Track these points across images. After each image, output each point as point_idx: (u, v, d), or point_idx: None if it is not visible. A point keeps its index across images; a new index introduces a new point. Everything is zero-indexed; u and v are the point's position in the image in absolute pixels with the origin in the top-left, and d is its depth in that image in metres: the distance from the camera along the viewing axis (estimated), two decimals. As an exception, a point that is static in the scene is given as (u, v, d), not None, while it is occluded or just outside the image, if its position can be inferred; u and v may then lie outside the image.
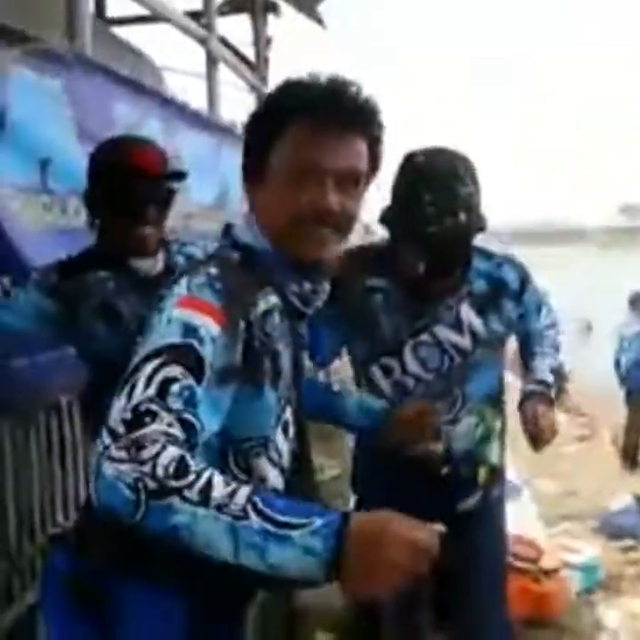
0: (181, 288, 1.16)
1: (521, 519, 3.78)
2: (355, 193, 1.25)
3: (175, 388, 1.04)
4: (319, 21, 6.16)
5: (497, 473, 2.09)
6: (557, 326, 2.22)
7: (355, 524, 0.94)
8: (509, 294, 1.99)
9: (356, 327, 1.95)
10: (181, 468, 0.96)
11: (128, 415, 1.00)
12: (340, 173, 1.21)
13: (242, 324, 1.16)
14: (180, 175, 2.04)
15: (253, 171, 1.27)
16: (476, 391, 1.99)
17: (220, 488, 0.95)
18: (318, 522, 0.93)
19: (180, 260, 2.13)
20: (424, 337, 1.93)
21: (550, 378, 2.09)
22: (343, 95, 1.20)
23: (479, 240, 1.97)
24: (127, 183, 1.89)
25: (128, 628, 1.26)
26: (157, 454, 0.96)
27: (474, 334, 1.95)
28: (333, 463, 4.50)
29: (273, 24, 5.82)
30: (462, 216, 1.79)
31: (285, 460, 1.32)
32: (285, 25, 5.94)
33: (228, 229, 1.34)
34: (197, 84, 5.00)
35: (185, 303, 1.13)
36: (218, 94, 4.82)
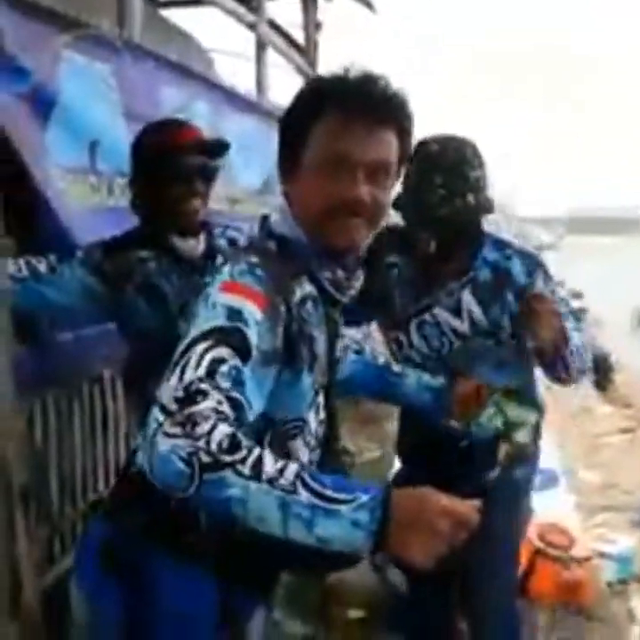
0: (224, 275, 1.20)
1: (556, 508, 3.79)
2: (385, 183, 1.30)
3: (224, 368, 1.09)
4: (369, 5, 6.16)
5: (521, 454, 2.04)
6: (579, 323, 2.20)
7: (397, 497, 1.00)
8: (513, 287, 2.01)
9: (377, 300, 2.03)
10: (234, 444, 1.01)
11: (180, 393, 1.05)
12: (371, 165, 1.26)
13: (282, 309, 1.22)
14: (222, 147, 2.08)
15: (288, 163, 1.32)
16: (489, 382, 1.96)
17: (270, 463, 1.01)
18: (364, 496, 0.99)
19: (223, 243, 2.20)
20: (426, 316, 2.03)
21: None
22: (373, 88, 1.25)
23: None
24: (167, 158, 1.95)
25: (155, 596, 1.30)
26: (211, 430, 1.01)
27: (473, 321, 2.01)
28: (373, 446, 4.55)
29: (323, 7, 5.83)
30: (470, 198, 1.90)
31: (316, 443, 1.38)
32: (335, 9, 5.95)
33: (264, 220, 1.39)
34: (246, 67, 5.05)
35: (228, 288, 1.18)
36: (266, 78, 4.86)
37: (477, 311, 2.01)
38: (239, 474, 0.99)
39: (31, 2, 2.27)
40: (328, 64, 6.09)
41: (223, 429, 1.02)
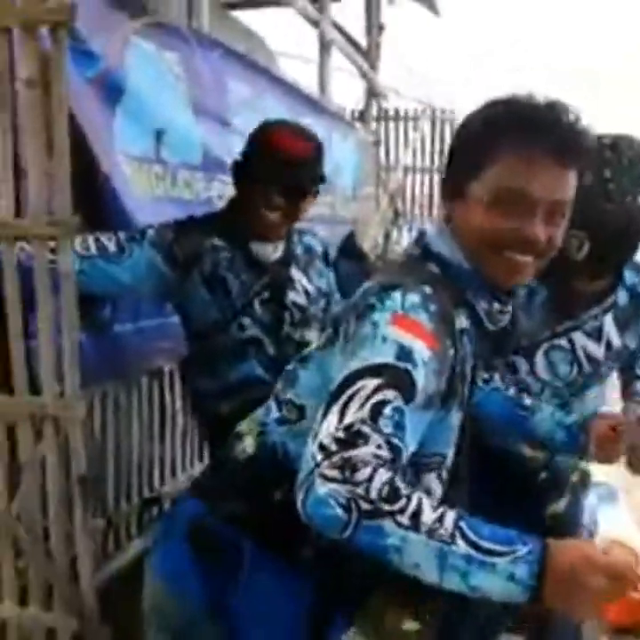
0: (396, 304, 1.15)
1: (618, 523, 3.64)
2: (560, 223, 1.25)
3: (387, 410, 1.05)
4: (433, 9, 6.09)
5: (586, 478, 2.08)
6: None
7: (556, 551, 0.98)
8: None
9: None
10: (392, 492, 0.99)
11: (341, 434, 1.03)
12: (551, 205, 1.20)
13: (451, 352, 1.17)
14: (321, 178, 2.06)
15: (456, 184, 1.26)
16: (592, 406, 1.91)
17: (428, 512, 0.99)
18: (522, 549, 0.98)
19: (299, 250, 2.15)
20: (562, 341, 1.85)
21: None
22: (563, 122, 1.18)
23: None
24: (265, 163, 1.92)
25: (248, 589, 1.26)
26: (371, 477, 0.99)
27: (609, 347, 1.87)
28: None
29: (386, 11, 5.77)
30: None
31: (449, 477, 1.33)
32: (398, 11, 5.90)
33: (421, 236, 1.33)
34: (308, 70, 5.02)
35: (400, 323, 1.13)
36: (329, 79, 4.82)
37: (616, 337, 1.87)
38: (398, 524, 0.98)
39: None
40: (389, 67, 6.03)
41: (383, 476, 1.00)
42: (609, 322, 1.86)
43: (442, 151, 6.67)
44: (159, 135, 2.53)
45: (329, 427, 1.04)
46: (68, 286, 1.64)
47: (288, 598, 1.27)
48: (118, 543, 2.49)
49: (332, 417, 1.05)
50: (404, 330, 1.11)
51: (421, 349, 1.10)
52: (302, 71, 5.20)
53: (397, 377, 1.08)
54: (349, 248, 3.81)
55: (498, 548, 0.98)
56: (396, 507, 0.98)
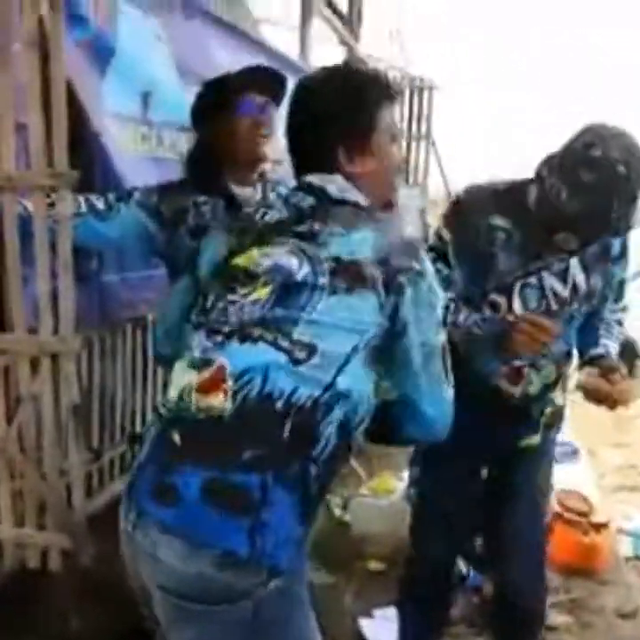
0: (427, 264, 1.41)
1: (577, 479, 3.84)
2: None
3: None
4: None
5: (559, 414, 2.21)
6: (622, 325, 2.25)
7: None
8: (612, 257, 2.06)
9: (473, 263, 2.01)
10: None
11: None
12: None
13: None
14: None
15: (356, 145, 1.47)
16: (562, 344, 2.08)
17: None
18: None
19: (273, 197, 2.26)
20: (531, 279, 2.00)
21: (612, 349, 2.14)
22: None
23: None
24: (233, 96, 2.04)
25: (270, 524, 1.26)
26: None
27: (575, 288, 2.02)
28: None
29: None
30: (634, 174, 1.79)
31: None
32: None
33: (323, 192, 1.47)
34: (291, 37, 5.09)
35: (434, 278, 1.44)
36: (310, 46, 4.91)
37: (581, 278, 2.03)
38: None
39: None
40: (369, 35, 6.12)
41: None
42: (575, 264, 2.01)
43: (420, 118, 6.78)
44: (146, 97, 2.64)
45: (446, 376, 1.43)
46: (63, 231, 1.80)
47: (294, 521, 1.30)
48: (102, 483, 2.65)
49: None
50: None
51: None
52: (285, 38, 5.27)
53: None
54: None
55: None
56: None
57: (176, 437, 1.31)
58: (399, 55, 6.55)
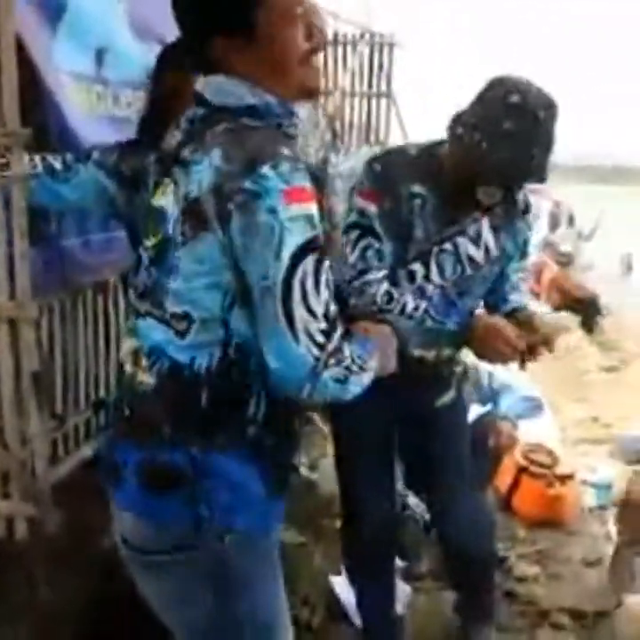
0: (274, 181, 1.13)
1: (541, 433, 3.91)
2: None
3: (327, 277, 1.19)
4: None
5: (467, 371, 2.39)
6: (525, 282, 2.31)
7: None
8: (518, 215, 2.10)
9: (392, 231, 1.99)
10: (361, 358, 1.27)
11: (323, 325, 1.17)
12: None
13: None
14: None
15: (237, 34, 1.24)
16: (471, 304, 2.13)
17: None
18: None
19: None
20: (447, 245, 2.02)
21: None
22: None
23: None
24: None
25: (213, 492, 1.26)
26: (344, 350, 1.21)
27: (487, 250, 2.05)
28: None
29: None
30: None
31: None
32: None
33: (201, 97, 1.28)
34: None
35: (294, 197, 1.14)
36: None
37: (491, 239, 2.05)
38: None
39: None
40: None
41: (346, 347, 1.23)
42: (486, 227, 2.04)
43: (380, 76, 6.69)
44: (100, 54, 2.57)
45: (308, 324, 1.15)
46: (18, 194, 1.74)
47: (246, 477, 1.29)
48: (67, 450, 2.62)
49: (302, 312, 1.14)
50: (300, 202, 1.14)
51: (315, 210, 1.17)
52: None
53: (318, 244, 1.16)
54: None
55: None
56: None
57: (126, 410, 1.32)
58: (360, 9, 6.42)
